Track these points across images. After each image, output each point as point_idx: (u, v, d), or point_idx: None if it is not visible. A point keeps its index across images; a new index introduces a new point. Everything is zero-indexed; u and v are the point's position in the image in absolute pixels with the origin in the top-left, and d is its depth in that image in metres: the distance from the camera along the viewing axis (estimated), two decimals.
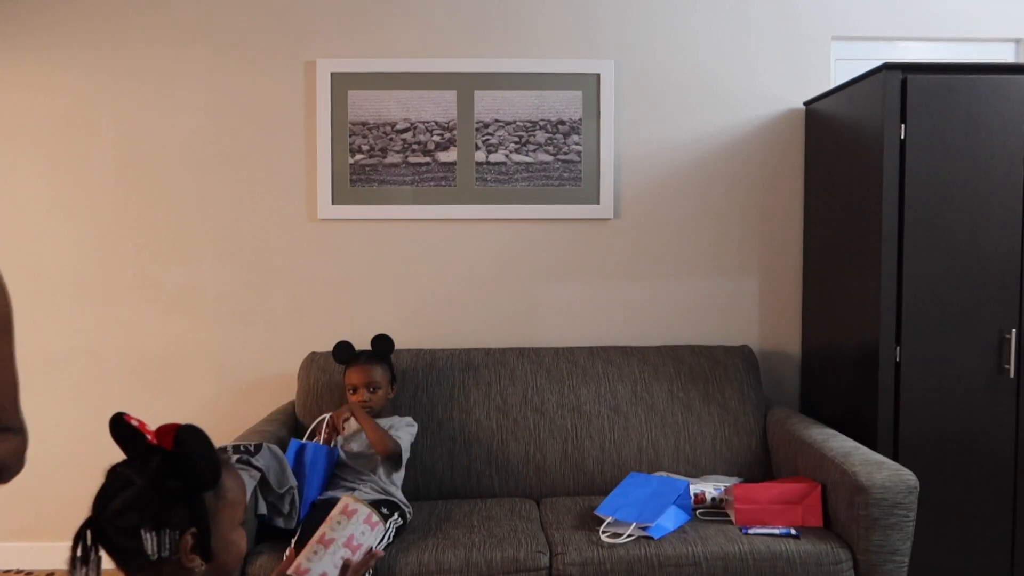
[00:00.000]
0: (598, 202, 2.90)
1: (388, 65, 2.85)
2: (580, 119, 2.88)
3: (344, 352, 2.52)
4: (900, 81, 2.33)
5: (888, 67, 2.33)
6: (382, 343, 2.53)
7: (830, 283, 2.72)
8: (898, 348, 2.37)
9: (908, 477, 2.05)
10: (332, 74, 2.86)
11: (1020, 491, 2.42)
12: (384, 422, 2.40)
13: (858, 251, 2.52)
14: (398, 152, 2.87)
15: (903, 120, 2.33)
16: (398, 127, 2.87)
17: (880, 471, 2.06)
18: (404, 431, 2.38)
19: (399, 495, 2.30)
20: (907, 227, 2.35)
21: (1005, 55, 2.99)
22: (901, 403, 2.37)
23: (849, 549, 2.08)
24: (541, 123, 2.88)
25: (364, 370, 2.43)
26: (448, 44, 2.87)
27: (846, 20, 2.91)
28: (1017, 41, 2.98)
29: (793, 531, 2.12)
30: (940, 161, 2.36)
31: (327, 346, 2.93)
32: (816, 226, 2.84)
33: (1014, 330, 2.39)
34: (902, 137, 2.34)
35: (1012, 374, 2.39)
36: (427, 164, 2.88)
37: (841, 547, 2.08)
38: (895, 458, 2.37)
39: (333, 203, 2.88)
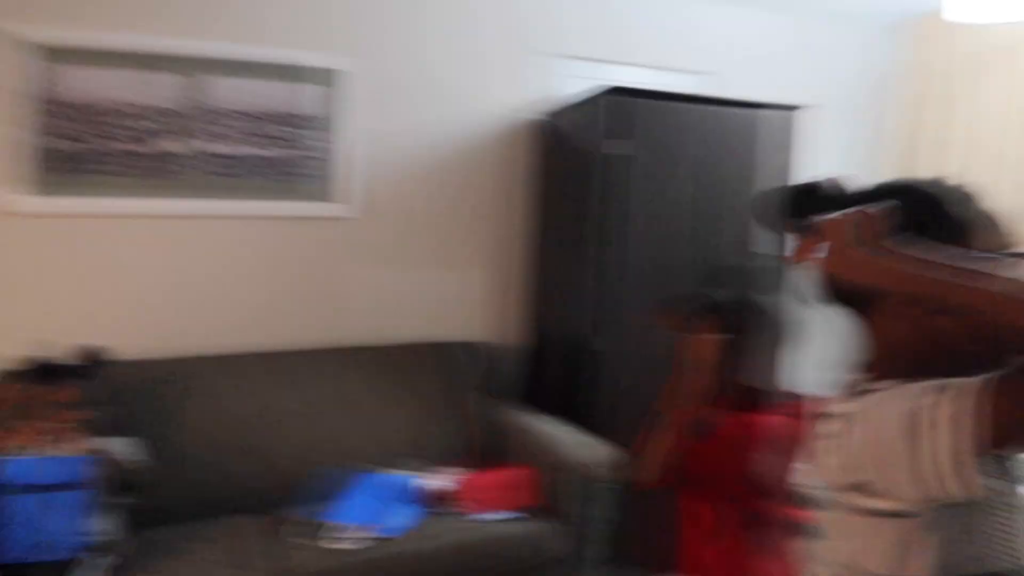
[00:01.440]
0: (336, 200, 2.86)
1: (104, 40, 2.53)
2: (320, 116, 2.81)
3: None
4: (613, 100, 2.61)
5: (606, 88, 2.61)
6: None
7: (553, 281, 2.99)
8: (599, 339, 2.67)
9: (607, 452, 2.33)
10: (28, 44, 2.44)
11: None
12: None
13: (574, 253, 2.79)
14: (112, 140, 2.56)
15: (613, 137, 2.62)
16: (113, 111, 2.56)
17: (587, 450, 2.32)
18: None
19: None
20: (609, 232, 2.66)
21: (698, 85, 3.47)
22: (600, 386, 2.68)
23: (569, 522, 2.31)
24: (278, 116, 2.76)
25: None
26: (175, 23, 2.62)
27: (571, 41, 3.19)
28: (706, 74, 3.48)
29: (519, 513, 2.30)
30: (646, 176, 2.70)
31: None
32: (544, 229, 3.09)
33: None
34: (611, 151, 2.63)
35: None
36: (146, 155, 2.60)
37: (555, 522, 2.30)
38: (599, 434, 2.67)
39: (29, 195, 2.49)
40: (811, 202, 0.96)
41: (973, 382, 0.78)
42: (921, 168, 3.31)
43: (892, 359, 0.93)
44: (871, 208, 0.87)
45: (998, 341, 0.79)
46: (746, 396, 1.61)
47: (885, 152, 3.49)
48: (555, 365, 2.93)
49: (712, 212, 2.82)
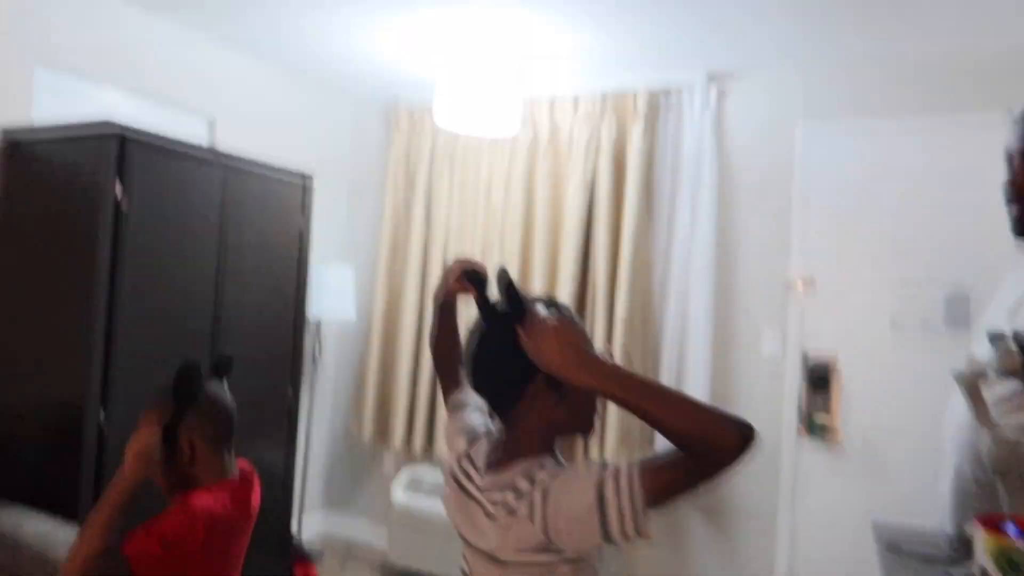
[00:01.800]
0: None
1: None
2: None
3: None
4: (119, 141, 2.31)
5: (108, 124, 2.30)
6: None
7: (26, 338, 2.46)
8: (103, 411, 2.32)
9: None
10: None
11: None
12: None
13: (64, 311, 2.36)
14: None
15: (122, 181, 2.33)
16: None
17: None
18: None
19: None
20: (119, 294, 2.34)
21: (200, 126, 3.32)
22: (104, 468, 2.33)
23: None
24: None
25: None
26: None
27: (51, 48, 2.71)
28: (210, 122, 3.36)
29: None
30: (157, 229, 2.45)
31: None
32: (9, 272, 2.52)
33: None
34: (119, 198, 2.33)
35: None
36: None
37: None
38: None
39: None
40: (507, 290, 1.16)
41: (628, 464, 1.08)
42: (412, 241, 3.80)
43: (531, 437, 1.22)
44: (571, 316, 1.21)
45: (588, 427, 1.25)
46: (187, 484, 1.56)
47: (385, 224, 3.90)
48: (30, 443, 2.41)
49: (231, 268, 2.74)
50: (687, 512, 3.29)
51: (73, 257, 2.34)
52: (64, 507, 2.23)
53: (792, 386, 3.14)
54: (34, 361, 2.42)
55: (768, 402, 3.19)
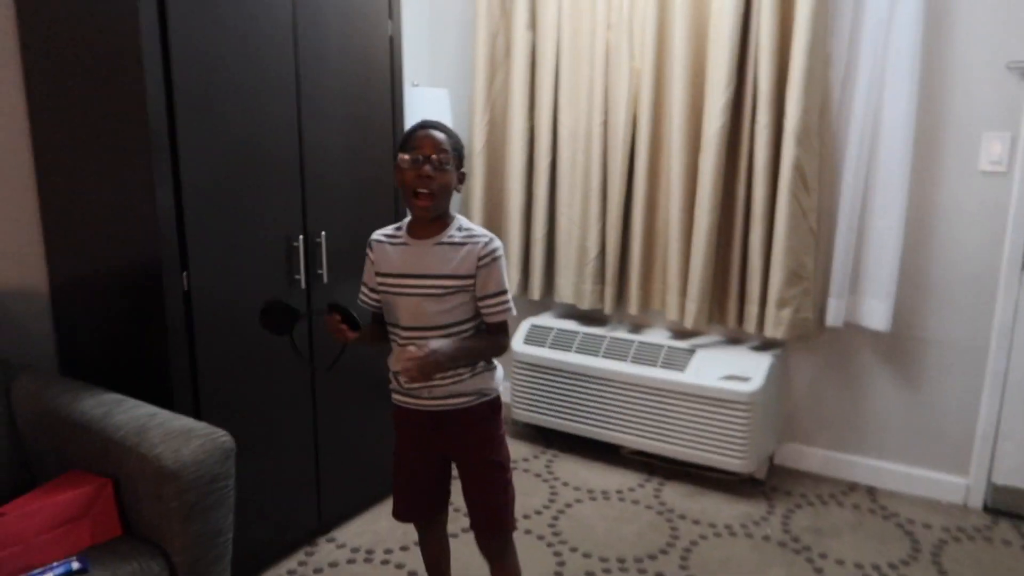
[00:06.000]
0: None
1: None
2: None
3: None
4: None
5: None
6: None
7: (82, 195, 2.00)
8: (185, 273, 1.89)
9: (223, 440, 1.64)
10: None
11: (319, 410, 2.33)
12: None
13: (116, 150, 1.87)
14: None
15: None
16: None
17: (188, 443, 1.59)
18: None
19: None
20: (179, 119, 1.82)
21: None
22: (196, 341, 1.93)
23: (162, 554, 1.58)
24: None
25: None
26: None
27: None
28: None
29: (76, 563, 1.48)
30: (211, 35, 1.88)
31: None
32: (48, 120, 2.02)
33: (301, 237, 2.20)
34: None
35: (303, 284, 2.22)
36: None
37: (151, 557, 1.56)
38: (197, 411, 1.93)
39: None
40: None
41: None
42: (516, 54, 3.11)
43: None
44: None
45: None
46: None
47: (480, 34, 3.20)
48: (106, 315, 2.03)
49: (311, 88, 2.19)
50: (866, 338, 2.78)
51: (119, 96, 1.81)
52: (156, 393, 1.85)
53: (1020, 207, 2.48)
54: (98, 228, 1.98)
55: (985, 227, 2.54)
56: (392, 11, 2.43)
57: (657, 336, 3.03)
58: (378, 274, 1.70)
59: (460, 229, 1.67)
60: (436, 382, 1.65)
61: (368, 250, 1.74)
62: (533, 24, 3.09)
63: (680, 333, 3.04)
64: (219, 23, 1.89)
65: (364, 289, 1.77)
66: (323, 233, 2.24)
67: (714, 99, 2.68)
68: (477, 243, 1.64)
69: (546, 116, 3.09)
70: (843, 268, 2.68)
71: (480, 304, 1.67)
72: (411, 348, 1.54)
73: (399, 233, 1.71)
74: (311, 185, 2.21)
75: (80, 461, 1.69)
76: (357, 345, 1.66)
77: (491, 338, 1.70)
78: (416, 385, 1.66)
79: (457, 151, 1.64)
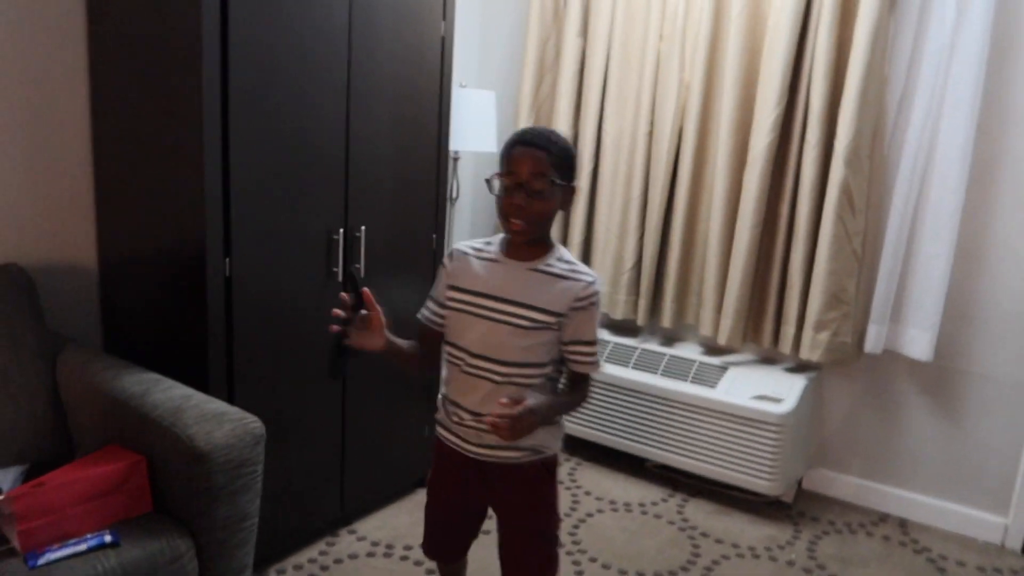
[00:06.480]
0: None
1: None
2: None
3: None
4: None
5: None
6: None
7: (135, 178, 2.06)
8: (228, 260, 1.93)
9: (254, 426, 1.67)
10: None
11: (347, 403, 2.36)
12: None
13: (170, 136, 1.92)
14: None
15: None
16: None
17: (220, 427, 1.62)
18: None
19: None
20: (232, 110, 1.86)
21: None
22: (234, 327, 1.97)
23: (190, 534, 1.61)
24: None
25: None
26: None
27: None
28: None
29: (109, 536, 1.52)
30: (269, 31, 1.92)
31: None
32: (109, 103, 2.08)
33: (341, 230, 2.23)
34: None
35: (340, 277, 2.25)
36: None
37: (179, 536, 1.59)
38: (231, 396, 1.97)
39: None
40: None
41: None
42: (565, 58, 3.11)
43: None
44: None
45: None
46: None
47: (531, 39, 3.21)
48: (152, 296, 2.08)
49: (362, 82, 2.21)
50: (906, 366, 2.71)
51: (176, 83, 1.86)
52: (193, 375, 1.90)
53: None
54: (148, 211, 2.03)
55: None
56: (446, 12, 2.45)
57: (689, 351, 3.00)
58: (453, 287, 1.50)
59: (561, 260, 1.47)
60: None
61: (446, 259, 1.54)
62: (585, 31, 3.09)
63: (713, 349, 3.00)
64: (277, 19, 1.93)
65: (430, 304, 1.56)
66: (363, 228, 2.27)
67: (764, 115, 2.65)
68: (579, 281, 1.44)
69: (591, 123, 3.09)
70: (886, 294, 2.63)
71: (567, 349, 1.48)
72: (503, 400, 1.30)
73: (489, 248, 1.51)
74: (354, 181, 2.23)
75: (118, 436, 1.73)
76: (389, 359, 1.49)
77: (575, 394, 1.52)
78: (477, 443, 1.51)
79: (562, 166, 1.41)
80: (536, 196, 1.38)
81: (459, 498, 1.61)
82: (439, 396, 1.60)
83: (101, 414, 1.79)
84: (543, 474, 1.55)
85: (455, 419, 1.53)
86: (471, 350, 1.47)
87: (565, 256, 1.49)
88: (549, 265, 1.46)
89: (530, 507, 1.56)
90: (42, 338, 1.90)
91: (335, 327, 1.39)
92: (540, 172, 1.37)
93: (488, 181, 1.43)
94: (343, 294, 1.39)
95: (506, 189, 1.40)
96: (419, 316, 1.57)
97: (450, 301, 1.50)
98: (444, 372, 1.56)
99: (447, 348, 1.53)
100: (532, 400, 1.32)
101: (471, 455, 1.53)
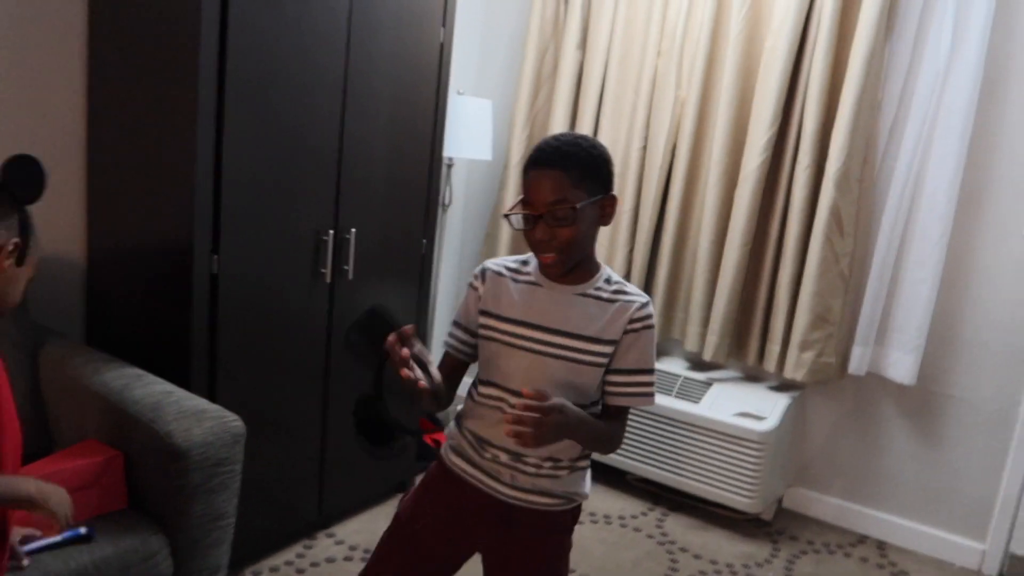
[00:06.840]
0: None
1: None
2: None
3: None
4: None
5: None
6: None
7: (127, 171, 2.06)
8: (216, 257, 1.92)
9: (234, 425, 1.67)
10: None
11: (329, 405, 2.35)
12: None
13: (164, 131, 1.92)
14: None
15: None
16: None
17: (200, 424, 1.62)
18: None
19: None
20: (228, 108, 1.86)
21: None
22: (218, 324, 1.96)
23: (164, 532, 1.60)
24: None
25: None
26: None
27: None
28: None
29: (84, 529, 1.51)
30: (268, 28, 1.92)
31: None
32: (105, 96, 2.08)
33: (331, 231, 2.22)
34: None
35: (328, 278, 2.24)
36: None
37: (154, 533, 1.58)
38: (212, 393, 1.96)
39: None
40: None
41: None
42: (562, 70, 3.12)
43: None
44: None
45: None
46: None
47: (530, 49, 3.22)
48: (137, 291, 2.07)
49: (359, 84, 2.21)
50: (889, 389, 2.72)
51: (173, 77, 1.86)
52: (175, 371, 1.89)
53: None
54: (139, 205, 2.03)
55: (1021, 291, 2.49)
56: (446, 19, 2.46)
57: (674, 365, 3.01)
58: (486, 313, 1.32)
59: (609, 282, 1.31)
60: (529, 466, 1.30)
61: (475, 280, 1.36)
62: (584, 44, 3.10)
63: (698, 364, 3.01)
64: (277, 17, 1.93)
65: (455, 330, 1.38)
66: (353, 230, 2.27)
67: (757, 135, 2.67)
68: (632, 302, 1.28)
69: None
70: (871, 316, 2.64)
71: (611, 379, 1.29)
72: (528, 390, 1.13)
73: (527, 269, 1.33)
74: (347, 182, 2.23)
75: (96, 431, 1.72)
76: (429, 401, 1.24)
77: (613, 424, 1.31)
78: (506, 455, 1.31)
79: (589, 179, 1.22)
80: (561, 224, 1.21)
81: (445, 538, 1.38)
82: (452, 424, 1.42)
83: (80, 408, 1.78)
84: (570, 524, 1.40)
85: (488, 456, 1.33)
86: (512, 386, 1.27)
87: (613, 277, 1.33)
88: (598, 289, 1.29)
89: (551, 558, 1.39)
90: (25, 329, 1.89)
91: (422, 382, 1.16)
92: (560, 199, 1.19)
93: (507, 217, 1.28)
94: (403, 350, 1.16)
95: (526, 220, 1.23)
96: (444, 344, 1.40)
97: (483, 329, 1.32)
98: (466, 407, 1.39)
99: (481, 387, 1.34)
100: (560, 399, 1.15)
101: (500, 496, 1.33)
